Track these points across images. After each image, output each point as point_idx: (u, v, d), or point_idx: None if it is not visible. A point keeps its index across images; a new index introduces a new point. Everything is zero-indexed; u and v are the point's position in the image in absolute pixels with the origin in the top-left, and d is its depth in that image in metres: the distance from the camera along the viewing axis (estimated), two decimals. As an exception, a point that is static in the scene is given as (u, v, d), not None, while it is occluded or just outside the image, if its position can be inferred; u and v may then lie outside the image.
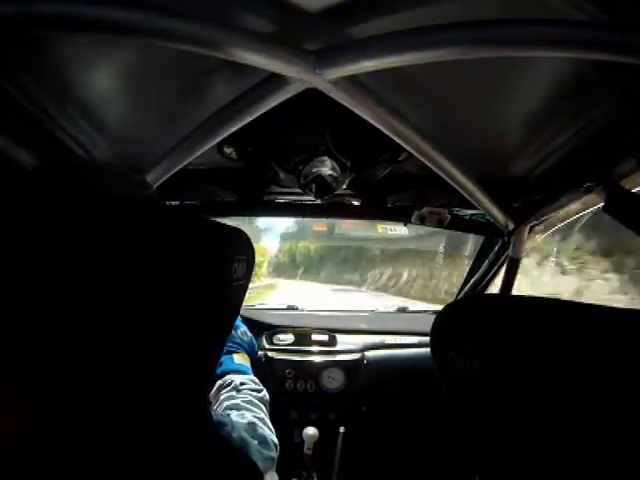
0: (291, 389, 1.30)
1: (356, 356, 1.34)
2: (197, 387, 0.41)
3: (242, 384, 0.78)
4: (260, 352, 1.28)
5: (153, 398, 0.35)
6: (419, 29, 0.51)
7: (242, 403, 0.69)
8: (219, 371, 0.87)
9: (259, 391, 0.78)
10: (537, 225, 1.04)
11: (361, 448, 1.30)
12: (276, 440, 0.64)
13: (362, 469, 1.31)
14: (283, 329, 1.41)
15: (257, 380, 0.83)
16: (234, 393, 0.75)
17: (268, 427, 0.65)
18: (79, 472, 0.31)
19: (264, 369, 1.28)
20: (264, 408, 0.72)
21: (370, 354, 1.35)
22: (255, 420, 0.64)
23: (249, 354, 0.99)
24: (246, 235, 0.44)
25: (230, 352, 0.95)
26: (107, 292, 0.29)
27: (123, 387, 0.32)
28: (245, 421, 0.62)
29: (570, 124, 0.73)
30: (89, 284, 0.29)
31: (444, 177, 0.87)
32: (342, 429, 1.23)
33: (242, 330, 1.06)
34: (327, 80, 0.60)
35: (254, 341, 1.08)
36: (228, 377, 0.82)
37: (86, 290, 0.29)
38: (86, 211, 0.30)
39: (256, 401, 0.72)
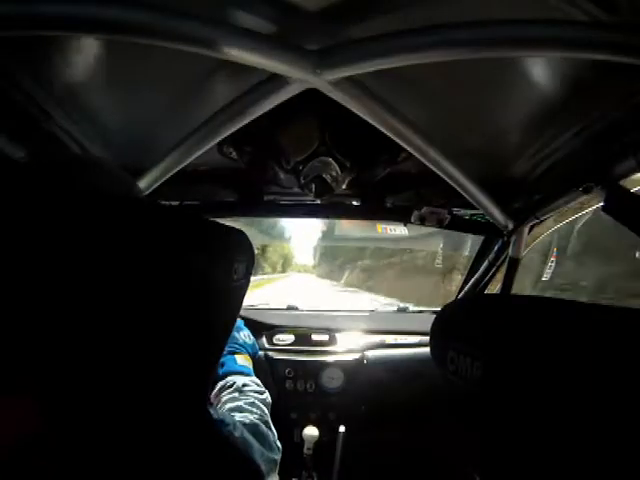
0: (291, 389, 1.29)
1: (356, 356, 1.33)
2: (198, 386, 0.41)
3: (244, 385, 0.78)
4: (260, 352, 1.28)
5: (154, 397, 0.35)
6: (420, 29, 0.51)
7: (245, 405, 0.69)
8: (221, 372, 0.87)
9: (261, 393, 0.78)
10: (537, 225, 1.04)
11: (361, 448, 1.29)
12: (279, 443, 0.64)
13: (362, 469, 1.31)
14: (283, 329, 1.40)
15: (259, 382, 0.84)
16: (236, 395, 0.75)
17: (270, 429, 0.65)
18: (82, 473, 0.31)
19: (264, 369, 1.27)
20: (266, 410, 0.72)
21: (370, 354, 1.35)
22: (258, 422, 0.64)
23: (251, 356, 1.00)
24: (246, 236, 0.44)
25: (232, 353, 0.95)
26: (106, 292, 0.29)
27: (123, 386, 0.32)
28: (248, 422, 0.62)
29: (570, 124, 0.73)
30: (89, 284, 0.29)
31: (444, 177, 0.87)
32: (342, 429, 1.23)
33: (245, 333, 1.07)
34: (327, 80, 0.60)
35: (256, 345, 1.09)
36: (230, 378, 0.82)
37: (86, 290, 0.29)
38: (85, 210, 0.30)
39: (258, 403, 0.72)
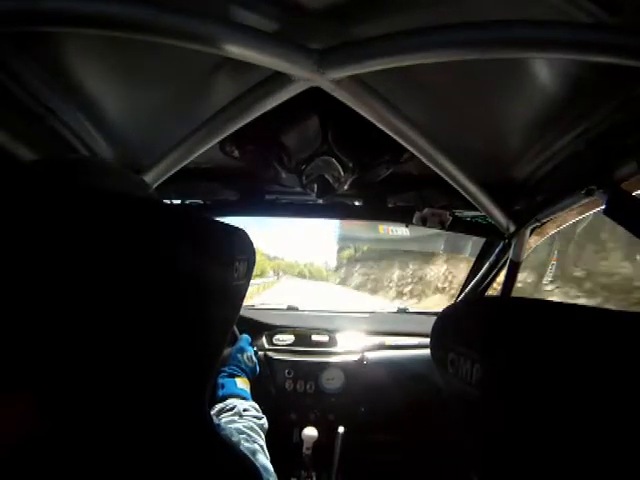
0: (291, 389, 1.29)
1: (356, 357, 1.33)
2: (197, 385, 0.41)
3: (245, 410, 0.79)
4: (260, 352, 1.28)
5: (153, 395, 0.35)
6: (423, 29, 0.51)
7: (243, 428, 0.70)
8: (221, 394, 0.89)
9: (259, 418, 0.78)
10: (538, 228, 1.04)
11: (360, 449, 1.29)
12: (272, 467, 0.65)
13: (361, 470, 1.31)
14: (283, 329, 1.40)
15: (258, 407, 0.84)
16: (236, 418, 0.76)
17: (266, 455, 0.66)
18: (82, 472, 0.31)
19: (264, 369, 1.27)
20: (263, 436, 0.73)
21: (370, 355, 1.35)
22: (255, 445, 0.65)
23: (250, 379, 1.02)
24: (247, 234, 0.44)
25: (233, 375, 0.98)
26: (106, 291, 0.29)
27: (123, 384, 0.32)
28: (247, 444, 0.62)
29: (571, 127, 0.73)
30: (88, 283, 0.29)
31: (446, 179, 0.87)
32: (341, 429, 1.23)
33: (248, 355, 1.09)
34: (330, 79, 0.60)
35: (257, 367, 1.11)
36: (230, 401, 0.83)
37: (85, 289, 0.29)
38: (87, 208, 0.30)
39: (257, 428, 0.72)
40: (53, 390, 0.29)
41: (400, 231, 1.27)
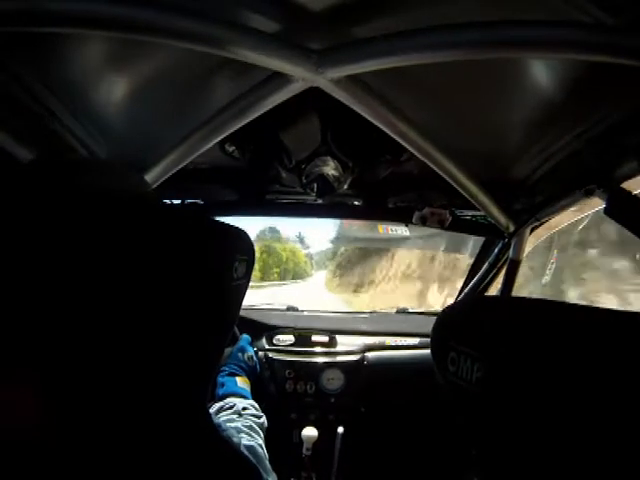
0: (291, 390, 1.29)
1: (356, 357, 1.33)
2: (197, 385, 0.41)
3: (244, 409, 0.79)
4: (260, 353, 1.28)
5: (153, 393, 0.35)
6: (423, 30, 0.51)
7: (242, 427, 0.70)
8: (221, 392, 0.89)
9: (259, 417, 0.78)
10: (538, 227, 1.04)
11: (360, 449, 1.29)
12: (270, 468, 0.65)
13: (361, 470, 1.31)
14: (283, 330, 1.40)
15: (257, 406, 0.85)
16: (235, 416, 0.76)
17: (265, 455, 0.66)
18: (81, 468, 0.31)
19: (264, 370, 1.27)
20: (262, 435, 0.73)
21: (370, 355, 1.35)
22: (254, 444, 0.65)
23: (250, 379, 1.02)
24: (246, 234, 0.44)
25: (233, 374, 0.98)
26: (107, 290, 0.29)
27: (123, 383, 0.32)
28: (247, 443, 0.62)
29: (572, 126, 0.73)
30: (89, 282, 0.29)
31: (446, 178, 0.87)
32: (341, 429, 1.23)
33: (249, 355, 1.09)
34: (329, 79, 0.60)
35: (258, 367, 1.12)
36: (230, 400, 0.83)
37: (86, 288, 0.29)
38: (87, 208, 0.30)
39: (256, 427, 0.72)
40: (57, 389, 0.29)
41: (400, 230, 1.27)
